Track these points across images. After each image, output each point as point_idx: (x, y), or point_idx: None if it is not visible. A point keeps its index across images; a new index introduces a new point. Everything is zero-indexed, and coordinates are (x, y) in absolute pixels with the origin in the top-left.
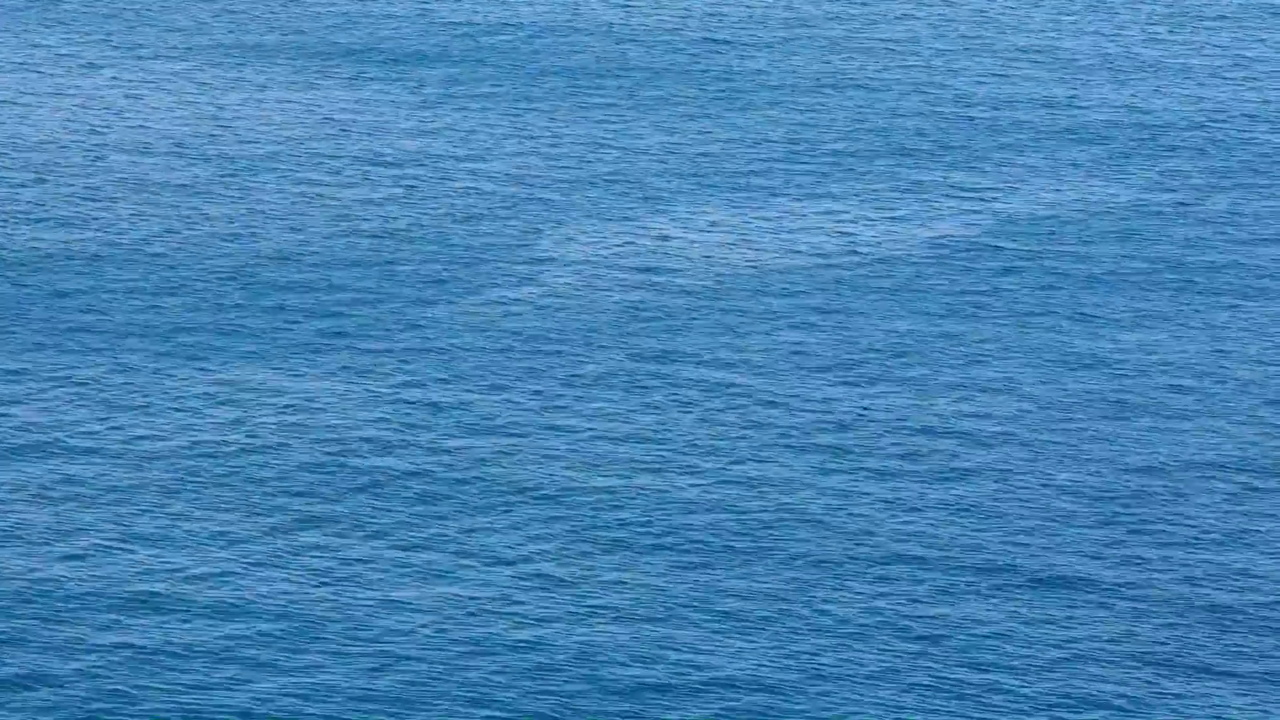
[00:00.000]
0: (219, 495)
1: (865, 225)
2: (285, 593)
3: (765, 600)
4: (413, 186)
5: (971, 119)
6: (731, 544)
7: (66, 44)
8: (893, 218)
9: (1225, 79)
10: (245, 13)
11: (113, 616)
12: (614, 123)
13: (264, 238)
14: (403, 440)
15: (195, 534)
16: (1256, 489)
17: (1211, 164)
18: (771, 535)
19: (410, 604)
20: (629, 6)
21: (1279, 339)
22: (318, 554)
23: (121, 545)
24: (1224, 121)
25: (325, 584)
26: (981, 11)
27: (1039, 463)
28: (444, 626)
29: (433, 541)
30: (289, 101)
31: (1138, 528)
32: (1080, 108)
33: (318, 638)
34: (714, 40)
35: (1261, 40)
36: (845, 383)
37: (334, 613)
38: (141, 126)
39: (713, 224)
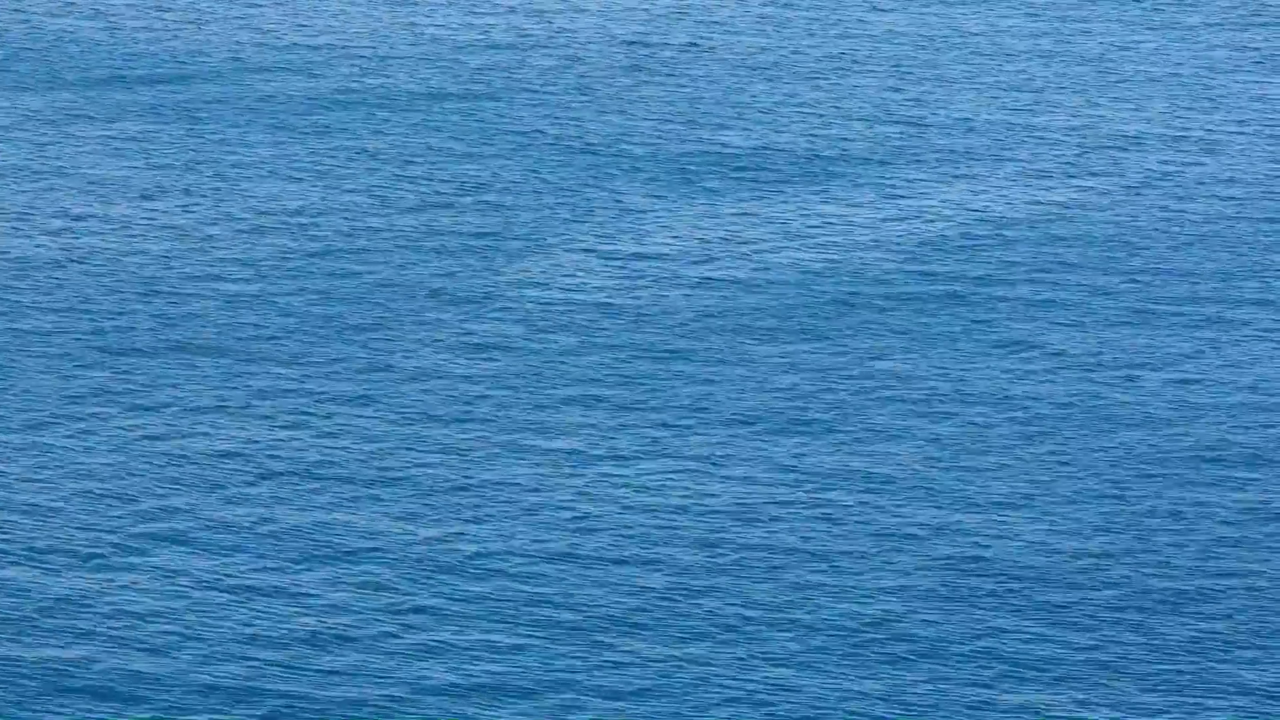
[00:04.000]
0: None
1: (833, 231)
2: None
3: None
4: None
5: (926, 128)
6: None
7: None
8: (858, 223)
9: (1191, 91)
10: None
11: None
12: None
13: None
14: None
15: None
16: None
17: (1177, 176)
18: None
19: None
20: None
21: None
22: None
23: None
24: (1187, 133)
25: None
26: (945, 16)
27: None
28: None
29: None
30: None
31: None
32: (1041, 116)
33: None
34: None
35: (1235, 53)
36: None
37: None
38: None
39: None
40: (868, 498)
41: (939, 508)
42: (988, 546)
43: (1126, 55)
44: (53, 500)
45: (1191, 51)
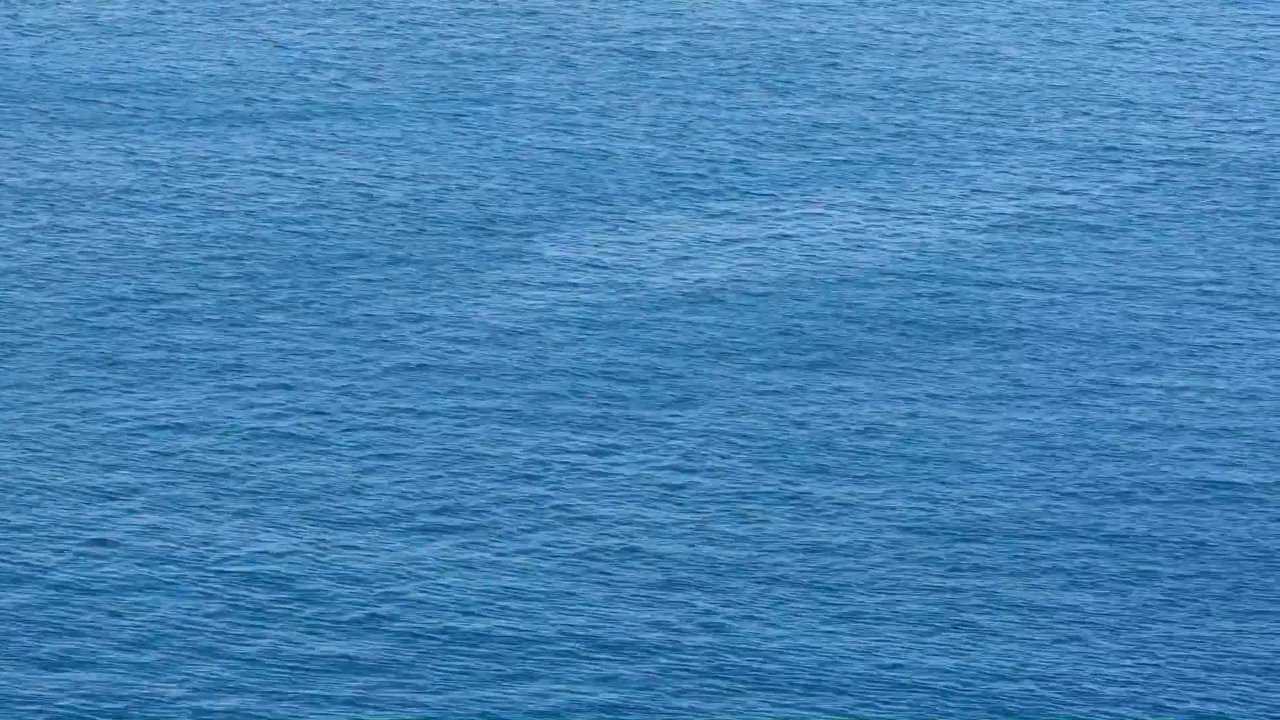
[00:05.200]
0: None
1: (822, 236)
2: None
3: None
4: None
5: (918, 132)
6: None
7: None
8: (846, 229)
9: (1185, 93)
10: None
11: None
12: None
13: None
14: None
15: None
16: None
17: (1170, 180)
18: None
19: None
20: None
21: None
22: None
23: None
24: (1184, 133)
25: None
26: (938, 17)
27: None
28: None
29: None
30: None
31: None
32: (1035, 119)
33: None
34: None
35: (1227, 54)
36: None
37: None
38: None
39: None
40: (862, 518)
41: (924, 514)
42: (975, 550)
43: (1123, 56)
44: (40, 488)
45: (1187, 52)
